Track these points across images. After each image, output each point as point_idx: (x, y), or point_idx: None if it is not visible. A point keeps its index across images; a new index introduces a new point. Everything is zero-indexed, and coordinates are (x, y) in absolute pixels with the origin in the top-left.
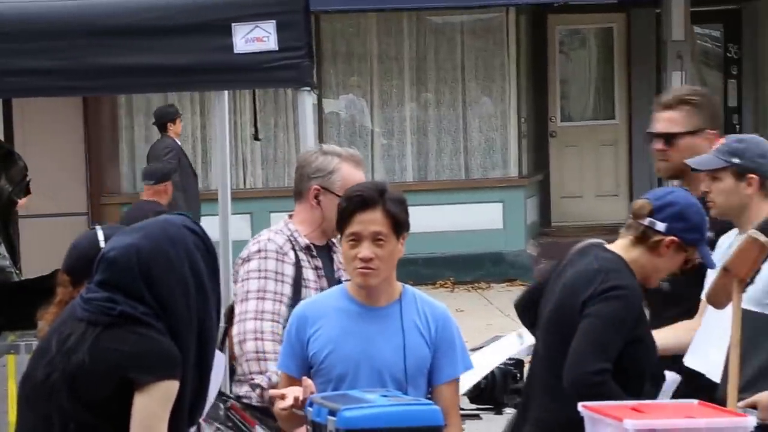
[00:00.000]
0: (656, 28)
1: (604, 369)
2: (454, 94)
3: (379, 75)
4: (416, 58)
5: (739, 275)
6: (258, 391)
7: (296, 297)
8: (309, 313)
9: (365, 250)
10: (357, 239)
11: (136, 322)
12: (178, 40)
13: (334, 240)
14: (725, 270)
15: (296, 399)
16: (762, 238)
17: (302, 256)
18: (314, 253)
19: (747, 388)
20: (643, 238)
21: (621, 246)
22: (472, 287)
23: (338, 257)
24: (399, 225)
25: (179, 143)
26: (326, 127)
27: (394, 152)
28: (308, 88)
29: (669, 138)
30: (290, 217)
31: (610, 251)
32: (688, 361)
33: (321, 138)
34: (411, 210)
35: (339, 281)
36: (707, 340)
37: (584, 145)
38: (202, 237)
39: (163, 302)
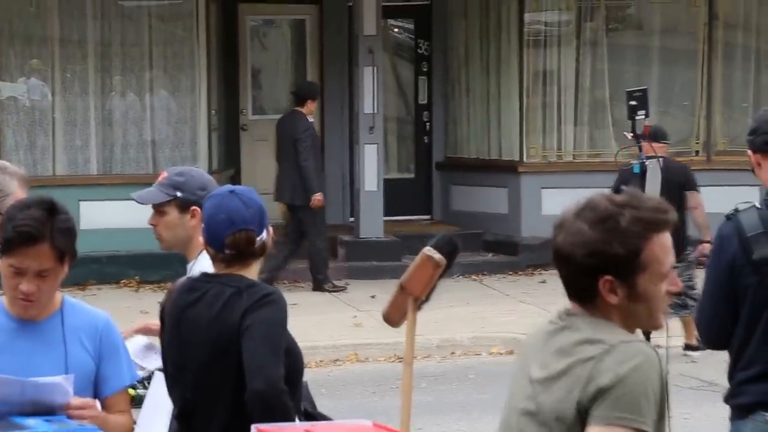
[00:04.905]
0: (349, 21)
1: (283, 375)
2: (141, 82)
3: (62, 59)
4: (101, 43)
5: (414, 293)
6: None
7: None
8: None
9: (27, 284)
10: (19, 273)
11: None
12: None
13: None
14: (401, 288)
15: None
16: (437, 255)
17: None
18: None
19: None
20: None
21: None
22: (159, 287)
23: None
24: (65, 255)
25: (311, 121)
26: (3, 114)
27: (77, 143)
28: None
29: None
30: None
31: (233, 275)
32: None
33: None
34: (94, 205)
35: None
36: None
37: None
38: None
39: None
